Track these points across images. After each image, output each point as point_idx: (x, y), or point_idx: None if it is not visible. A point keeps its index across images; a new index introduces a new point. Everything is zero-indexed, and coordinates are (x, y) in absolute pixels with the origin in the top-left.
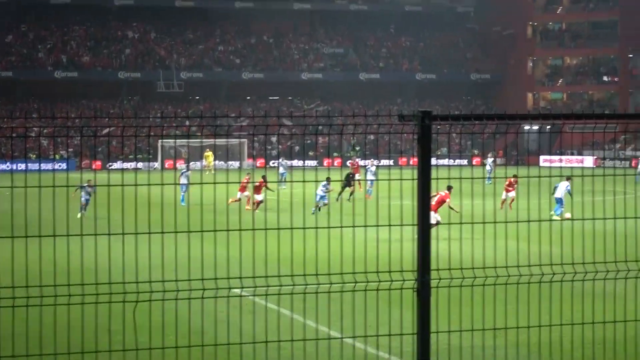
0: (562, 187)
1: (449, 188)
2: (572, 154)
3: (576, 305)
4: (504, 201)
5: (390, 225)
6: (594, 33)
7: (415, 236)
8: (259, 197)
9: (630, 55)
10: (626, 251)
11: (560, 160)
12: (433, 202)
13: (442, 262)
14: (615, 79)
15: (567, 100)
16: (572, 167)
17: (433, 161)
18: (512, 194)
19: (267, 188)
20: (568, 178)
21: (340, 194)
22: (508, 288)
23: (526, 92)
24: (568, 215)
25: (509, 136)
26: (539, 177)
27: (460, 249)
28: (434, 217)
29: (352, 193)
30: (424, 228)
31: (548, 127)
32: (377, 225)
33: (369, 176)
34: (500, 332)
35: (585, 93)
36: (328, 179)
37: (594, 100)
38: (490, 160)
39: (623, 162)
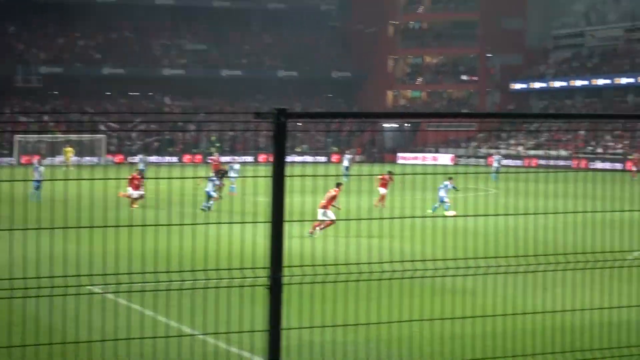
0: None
1: (338, 185)
2: (430, 151)
3: (426, 300)
4: (381, 198)
5: (243, 223)
6: (454, 33)
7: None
8: (138, 193)
9: (489, 55)
10: (476, 247)
11: (416, 158)
12: (325, 200)
13: (296, 259)
14: (474, 78)
15: (426, 99)
16: (425, 165)
17: (294, 158)
18: (384, 190)
19: (141, 183)
20: (450, 178)
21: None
22: (361, 285)
23: (387, 91)
24: (451, 213)
25: (370, 133)
26: (426, 174)
27: (312, 246)
28: (326, 214)
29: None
30: (277, 225)
31: (407, 124)
32: (230, 222)
33: (232, 174)
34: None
35: (445, 92)
36: (217, 174)
37: (453, 99)
38: (348, 157)
39: (479, 159)
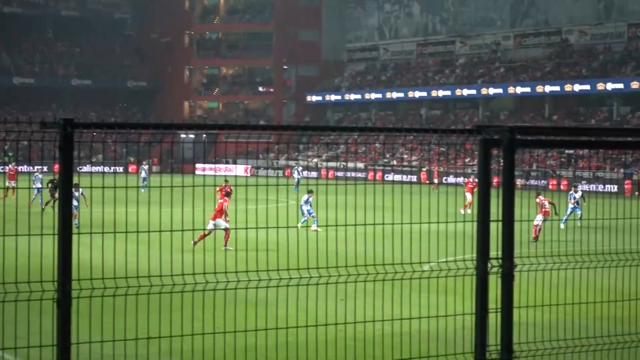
0: (304, 200)
1: (227, 194)
2: (227, 162)
3: (219, 312)
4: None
5: (29, 235)
6: (250, 44)
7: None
8: None
9: (285, 67)
10: (270, 258)
11: (212, 169)
12: (214, 211)
13: (86, 272)
14: (271, 90)
15: (223, 110)
16: (215, 175)
17: (89, 168)
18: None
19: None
20: (310, 191)
21: (48, 202)
22: (156, 297)
23: (183, 101)
24: (314, 227)
25: (166, 144)
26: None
27: (102, 258)
28: (217, 225)
29: (48, 202)
30: (65, 237)
31: (204, 136)
32: (17, 235)
33: (38, 184)
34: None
35: (241, 102)
36: (76, 186)
37: (250, 110)
38: (144, 168)
39: (277, 171)
